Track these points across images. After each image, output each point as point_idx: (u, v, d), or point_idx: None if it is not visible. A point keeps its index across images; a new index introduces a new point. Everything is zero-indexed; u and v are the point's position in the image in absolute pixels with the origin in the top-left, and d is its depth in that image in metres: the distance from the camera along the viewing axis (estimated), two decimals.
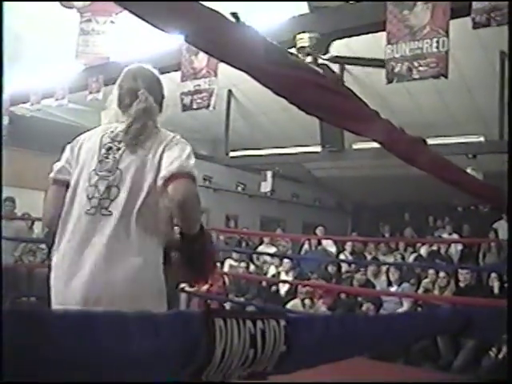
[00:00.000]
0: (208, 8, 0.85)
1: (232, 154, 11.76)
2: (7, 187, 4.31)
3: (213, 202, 12.10)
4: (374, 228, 12.89)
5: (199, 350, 0.69)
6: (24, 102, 7.01)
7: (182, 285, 8.14)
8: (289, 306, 6.50)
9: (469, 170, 8.33)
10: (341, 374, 4.50)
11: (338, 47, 5.78)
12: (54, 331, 0.55)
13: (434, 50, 3.69)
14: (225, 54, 0.91)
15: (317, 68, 5.01)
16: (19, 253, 7.71)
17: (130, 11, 0.79)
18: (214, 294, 8.23)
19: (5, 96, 7.04)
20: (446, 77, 3.63)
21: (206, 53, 1.05)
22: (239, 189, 12.84)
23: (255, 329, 0.76)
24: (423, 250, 9.14)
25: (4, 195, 6.54)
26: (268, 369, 0.80)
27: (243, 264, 8.91)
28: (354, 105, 1.03)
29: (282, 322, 0.80)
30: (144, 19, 0.80)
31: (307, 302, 6.35)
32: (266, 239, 10.63)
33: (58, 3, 5.61)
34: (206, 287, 8.29)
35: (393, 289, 6.75)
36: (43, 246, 7.10)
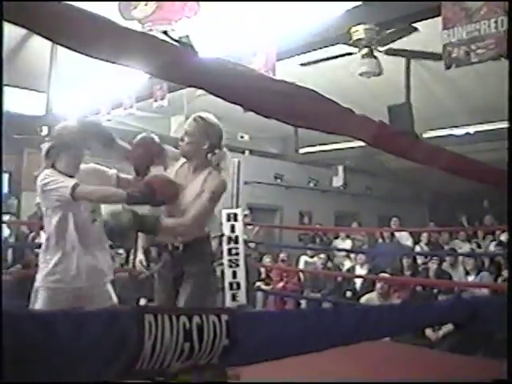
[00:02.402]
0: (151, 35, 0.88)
1: (302, 150, 11.78)
2: None
3: (285, 200, 12.10)
4: (452, 217, 12.50)
5: (128, 344, 0.73)
6: (96, 114, 7.32)
7: (258, 283, 8.25)
8: (363, 299, 6.44)
9: None
10: (407, 366, 4.43)
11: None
12: None
13: (493, 30, 3.55)
14: (168, 77, 0.94)
15: (371, 59, 4.93)
16: None
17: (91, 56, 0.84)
18: (289, 291, 8.28)
19: (77, 110, 7.39)
20: (505, 57, 3.49)
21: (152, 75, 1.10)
22: (311, 185, 12.76)
23: (190, 324, 0.79)
24: (503, 237, 8.76)
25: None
26: (213, 361, 0.82)
27: (319, 259, 8.87)
28: (319, 105, 1.03)
29: (224, 317, 0.83)
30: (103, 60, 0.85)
31: (382, 296, 6.26)
32: (341, 233, 10.58)
33: (120, 17, 5.81)
34: (281, 284, 8.36)
35: (470, 278, 6.54)
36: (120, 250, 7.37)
